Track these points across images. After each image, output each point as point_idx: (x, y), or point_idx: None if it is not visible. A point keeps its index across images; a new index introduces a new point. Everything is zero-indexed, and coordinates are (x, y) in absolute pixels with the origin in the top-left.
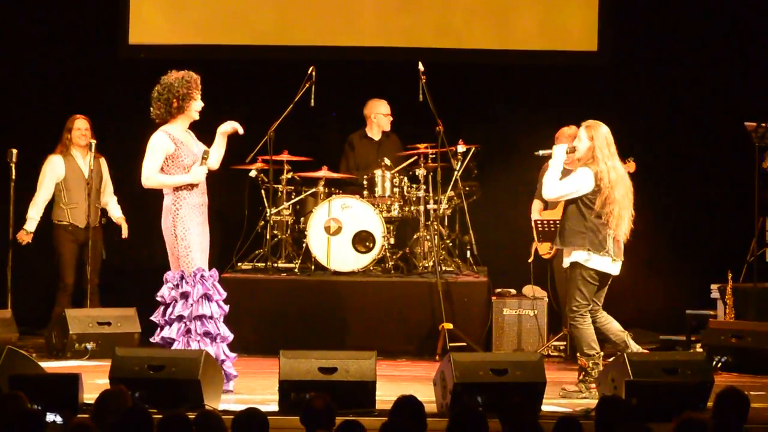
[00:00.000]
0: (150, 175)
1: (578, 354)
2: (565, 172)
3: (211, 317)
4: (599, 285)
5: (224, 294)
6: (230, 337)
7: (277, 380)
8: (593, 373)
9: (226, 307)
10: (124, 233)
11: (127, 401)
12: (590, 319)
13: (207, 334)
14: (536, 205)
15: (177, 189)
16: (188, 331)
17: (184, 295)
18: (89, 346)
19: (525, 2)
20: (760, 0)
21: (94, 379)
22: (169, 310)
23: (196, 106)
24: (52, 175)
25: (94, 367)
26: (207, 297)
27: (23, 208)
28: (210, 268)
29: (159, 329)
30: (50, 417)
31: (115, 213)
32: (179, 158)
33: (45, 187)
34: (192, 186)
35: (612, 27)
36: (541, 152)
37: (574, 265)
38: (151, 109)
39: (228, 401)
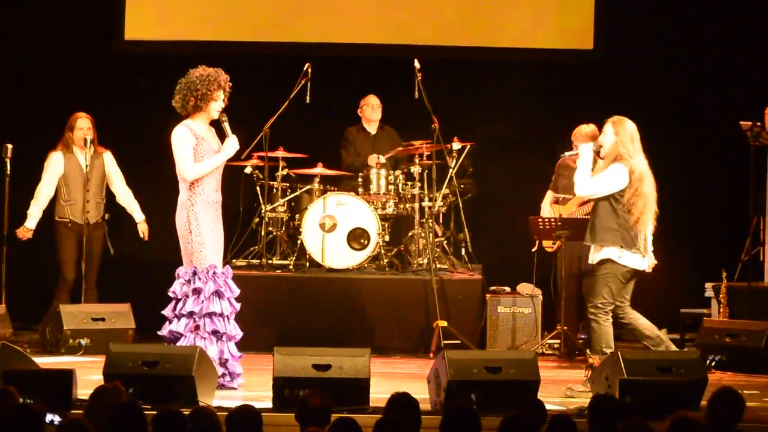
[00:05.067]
0: (188, 169)
1: (590, 352)
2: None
3: (221, 314)
4: (628, 280)
5: (237, 291)
6: (238, 335)
7: (271, 377)
8: None
9: (238, 305)
10: (145, 236)
11: (121, 397)
12: (611, 319)
13: (215, 332)
14: (549, 196)
15: (193, 185)
16: (197, 328)
17: (196, 291)
18: (83, 341)
19: (521, 0)
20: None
21: (89, 375)
22: (180, 305)
23: (216, 106)
24: (53, 172)
25: (88, 362)
26: (218, 294)
27: (18, 203)
28: (224, 266)
29: (168, 323)
30: (48, 417)
31: (137, 216)
32: (198, 153)
33: (45, 184)
34: (207, 183)
35: (608, 25)
36: (567, 153)
37: (605, 261)
38: (173, 100)
39: (222, 397)
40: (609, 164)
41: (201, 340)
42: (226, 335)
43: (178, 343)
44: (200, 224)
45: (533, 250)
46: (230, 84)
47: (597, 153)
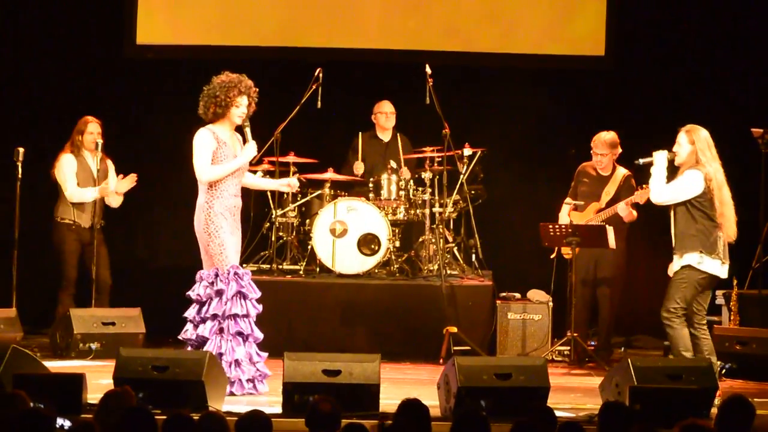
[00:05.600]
0: (203, 170)
1: (673, 357)
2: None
3: (245, 315)
4: (705, 288)
5: (258, 293)
6: (260, 337)
7: (281, 382)
8: None
9: (260, 307)
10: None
11: (131, 401)
12: (686, 322)
13: (239, 333)
14: (566, 207)
15: (211, 188)
16: (221, 331)
17: (219, 293)
18: (93, 346)
19: (532, 6)
20: (765, 6)
21: (98, 379)
22: (204, 308)
23: (237, 112)
24: (71, 171)
25: (98, 367)
26: (242, 295)
27: (28, 206)
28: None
29: (192, 326)
30: (58, 421)
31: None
32: (218, 157)
33: (71, 179)
34: (227, 188)
35: (619, 32)
36: (641, 161)
37: (685, 267)
38: (199, 107)
39: (231, 402)
40: (685, 171)
41: (226, 342)
42: (252, 336)
43: (204, 347)
44: (218, 226)
45: (552, 256)
46: (256, 90)
47: (672, 161)
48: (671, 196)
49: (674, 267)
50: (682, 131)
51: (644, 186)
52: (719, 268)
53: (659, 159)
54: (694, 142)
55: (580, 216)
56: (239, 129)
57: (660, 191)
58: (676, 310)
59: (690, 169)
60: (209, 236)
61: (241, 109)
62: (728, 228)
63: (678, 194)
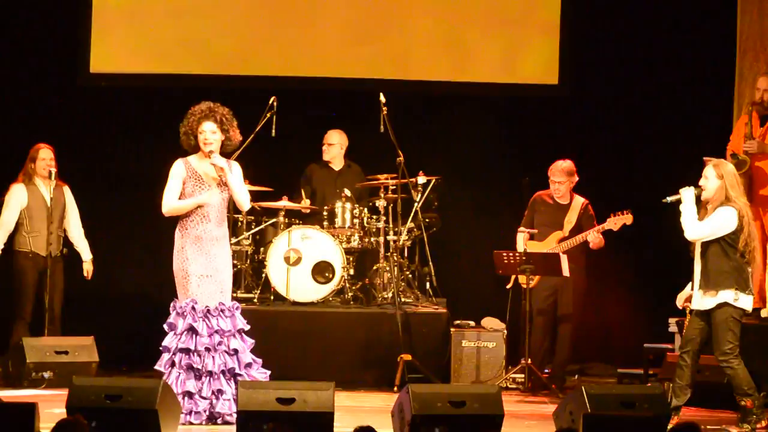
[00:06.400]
0: (166, 202)
1: (738, 396)
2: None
3: (196, 351)
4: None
5: (231, 327)
6: (217, 369)
7: (235, 410)
8: (758, 412)
9: (215, 340)
10: (88, 275)
11: (84, 431)
12: (742, 361)
13: (190, 367)
14: (522, 236)
15: (183, 219)
16: (173, 364)
17: (171, 327)
18: (46, 374)
19: (487, 35)
20: (721, 35)
21: (51, 409)
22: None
23: (201, 138)
24: (16, 205)
25: (51, 396)
26: (193, 330)
27: None
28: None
29: None
30: None
31: (85, 255)
32: (187, 187)
33: (7, 218)
34: (199, 218)
35: (572, 60)
36: (669, 199)
37: (723, 306)
38: None
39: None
40: (717, 207)
41: (178, 375)
42: (213, 373)
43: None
44: (185, 258)
45: (508, 286)
46: (226, 113)
47: (698, 197)
48: (707, 232)
49: (707, 304)
50: (710, 165)
51: (618, 213)
52: (750, 303)
53: (687, 196)
54: (723, 176)
55: (541, 245)
56: (227, 156)
57: (696, 229)
58: (731, 350)
59: (723, 206)
60: (175, 266)
61: (203, 135)
62: (756, 264)
63: (714, 231)
